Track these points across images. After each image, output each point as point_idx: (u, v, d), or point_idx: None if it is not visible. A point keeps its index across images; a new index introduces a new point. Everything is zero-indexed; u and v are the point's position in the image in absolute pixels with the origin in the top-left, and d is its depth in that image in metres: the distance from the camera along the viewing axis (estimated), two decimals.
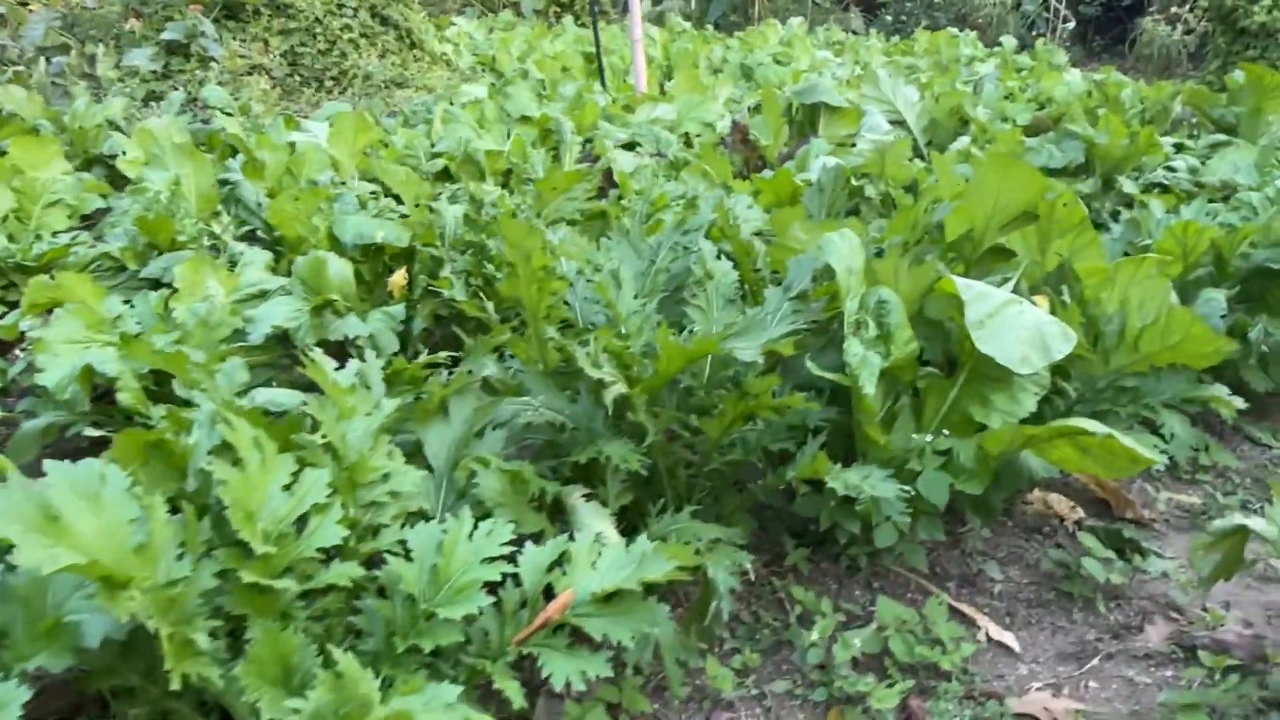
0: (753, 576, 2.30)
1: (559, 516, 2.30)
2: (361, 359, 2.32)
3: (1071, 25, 16.64)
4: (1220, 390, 2.86)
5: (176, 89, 9.05)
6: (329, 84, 9.80)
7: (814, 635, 2.27)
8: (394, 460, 2.01)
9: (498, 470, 2.06)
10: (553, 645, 1.76)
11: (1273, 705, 2.14)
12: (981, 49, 12.13)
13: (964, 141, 5.62)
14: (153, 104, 8.33)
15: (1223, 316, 3.28)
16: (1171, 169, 5.76)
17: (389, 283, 3.56)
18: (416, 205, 3.88)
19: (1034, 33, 16.49)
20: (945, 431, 2.48)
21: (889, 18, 17.37)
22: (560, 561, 1.85)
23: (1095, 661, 2.37)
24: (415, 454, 2.22)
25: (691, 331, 2.50)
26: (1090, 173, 5.84)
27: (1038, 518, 2.97)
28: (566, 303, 2.83)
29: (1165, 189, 5.75)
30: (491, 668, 1.74)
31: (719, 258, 2.62)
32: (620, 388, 2.10)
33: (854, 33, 16.85)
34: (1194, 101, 7.47)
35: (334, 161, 5.00)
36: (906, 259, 2.49)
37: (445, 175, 5.73)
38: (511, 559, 1.83)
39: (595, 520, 2.25)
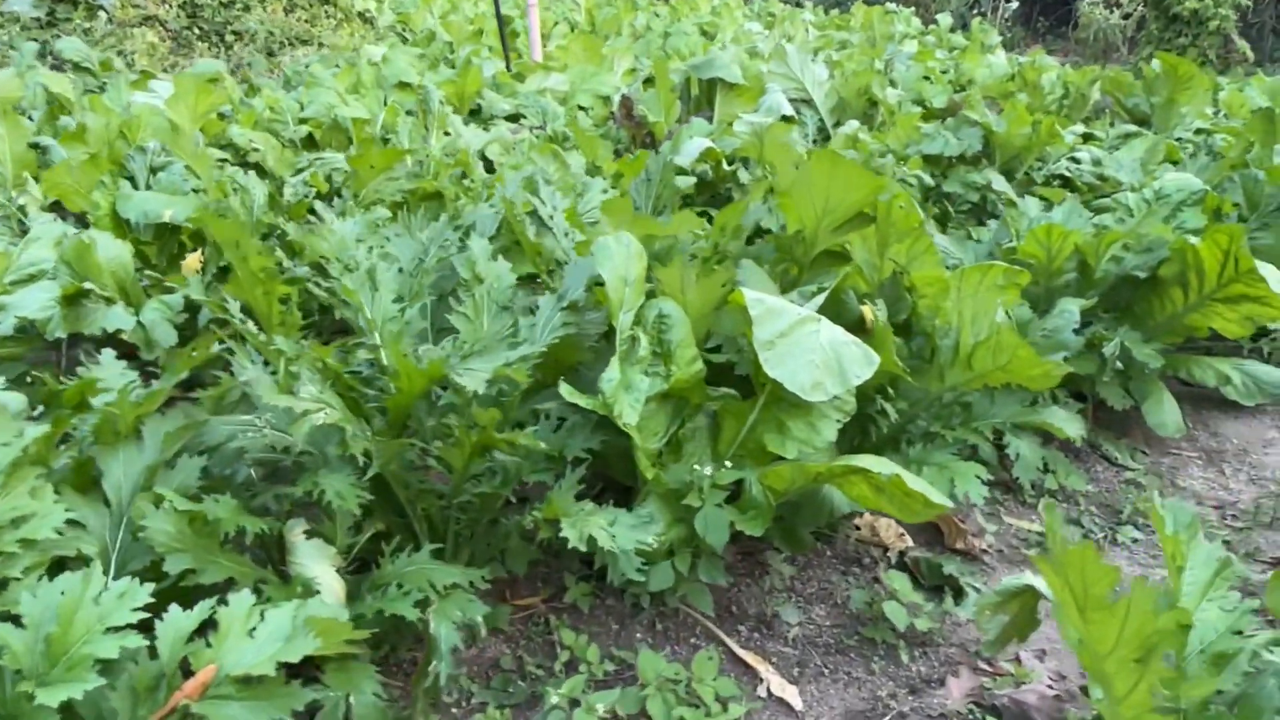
0: (482, 630, 2.01)
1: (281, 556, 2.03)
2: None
3: (1015, 6, 16.44)
4: (1055, 415, 2.63)
5: (59, 38, 8.55)
6: (229, 39, 9.31)
7: (556, 696, 2.01)
8: (39, 498, 1.70)
9: (173, 510, 1.76)
10: None
11: None
12: (916, 26, 11.87)
13: (853, 125, 5.35)
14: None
15: (1078, 330, 3.05)
16: (1076, 160, 5.55)
17: (183, 266, 3.23)
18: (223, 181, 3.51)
19: (976, 11, 16.28)
20: (728, 463, 2.21)
21: None
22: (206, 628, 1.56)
23: None
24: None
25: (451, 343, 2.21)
26: (991, 161, 5.61)
27: (861, 546, 2.73)
28: (346, 302, 2.53)
29: (1067, 181, 5.55)
30: None
31: (495, 257, 2.32)
32: (324, 415, 1.80)
33: (798, 4, 16.50)
34: (1112, 89, 7.28)
35: (174, 126, 4.61)
36: (694, 267, 2.21)
37: (312, 143, 5.37)
38: (150, 625, 1.55)
39: (314, 562, 1.97)
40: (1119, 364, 3.18)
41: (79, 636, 1.51)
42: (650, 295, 2.28)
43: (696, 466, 2.18)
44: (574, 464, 2.08)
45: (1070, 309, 3.06)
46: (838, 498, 2.37)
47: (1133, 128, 6.38)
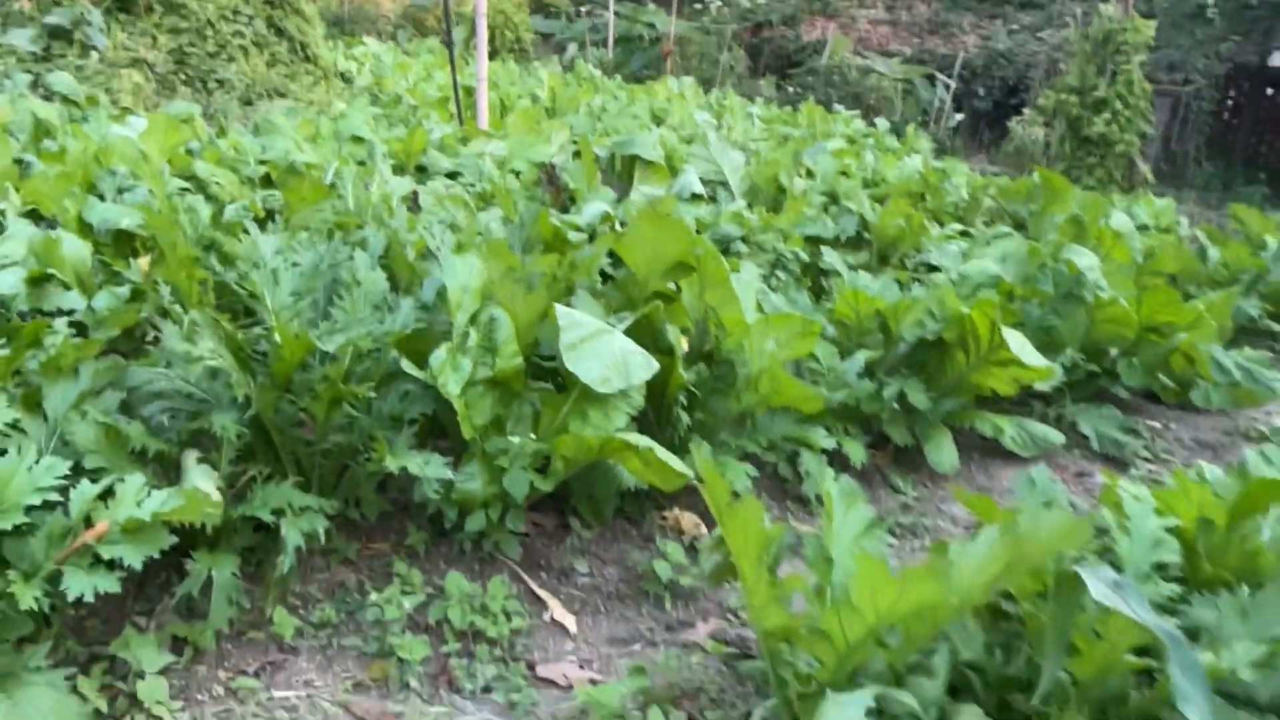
0: (320, 537, 2.58)
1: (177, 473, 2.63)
2: None
3: (960, 118, 17.58)
4: (815, 433, 3.30)
5: (52, 73, 9.24)
6: (212, 86, 10.04)
7: (374, 597, 2.62)
8: None
9: (94, 421, 2.37)
10: (78, 564, 2.08)
11: (748, 679, 2.54)
12: (856, 128, 12.81)
13: (740, 203, 6.10)
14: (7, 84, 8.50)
15: (860, 375, 3.74)
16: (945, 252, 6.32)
17: (136, 266, 3.85)
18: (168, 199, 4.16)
19: (924, 119, 17.38)
20: (532, 435, 2.85)
21: (790, 89, 18.17)
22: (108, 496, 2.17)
23: (638, 646, 2.75)
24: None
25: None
26: (869, 247, 6.37)
27: (663, 532, 3.35)
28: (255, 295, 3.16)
29: (934, 269, 6.32)
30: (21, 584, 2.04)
31: (373, 269, 2.98)
32: (216, 361, 2.44)
33: (766, 99, 17.56)
34: (999, 196, 8.12)
35: (144, 156, 5.27)
36: (521, 285, 2.88)
37: (268, 182, 6.04)
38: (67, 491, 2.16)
39: (201, 479, 2.56)
40: (902, 407, 3.87)
41: (15, 493, 2.11)
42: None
43: (512, 437, 2.82)
44: (410, 423, 2.72)
45: (858, 357, 3.76)
46: (624, 473, 3.01)
47: (1006, 229, 7.21)
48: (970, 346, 4.01)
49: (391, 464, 2.45)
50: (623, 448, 2.75)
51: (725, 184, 7.49)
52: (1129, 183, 11.72)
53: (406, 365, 2.64)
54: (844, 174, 8.90)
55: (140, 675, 2.25)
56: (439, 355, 2.63)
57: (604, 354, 2.80)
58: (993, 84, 19.20)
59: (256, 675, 2.42)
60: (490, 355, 2.82)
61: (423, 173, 6.98)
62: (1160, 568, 2.63)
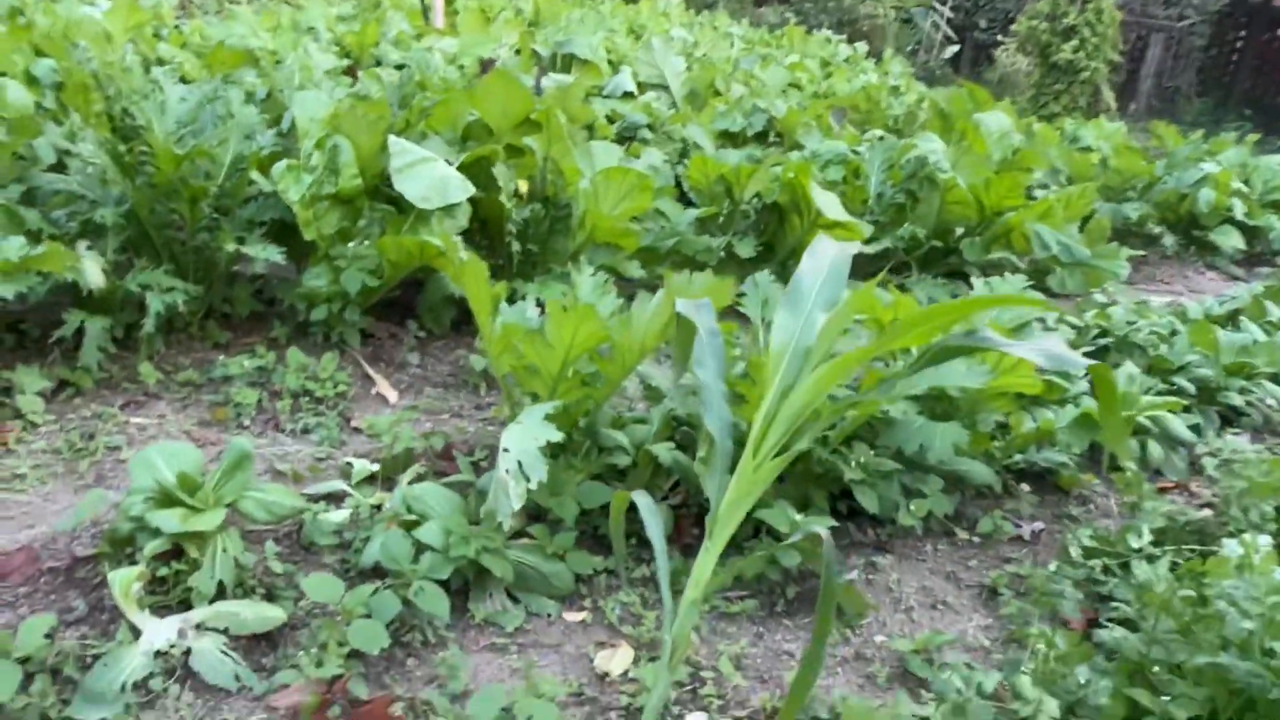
0: (180, 307, 3.21)
1: None
2: None
3: (957, 48, 17.77)
4: (629, 265, 3.88)
5: None
6: None
7: (222, 359, 3.25)
8: None
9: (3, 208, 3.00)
10: None
11: None
12: (835, 51, 13.14)
13: (650, 96, 6.61)
14: None
15: (693, 229, 4.30)
16: (856, 151, 6.80)
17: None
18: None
19: (918, 47, 17.60)
20: (366, 241, 3.45)
21: (789, 15, 18.40)
22: None
23: (446, 416, 3.37)
24: None
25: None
26: (781, 143, 6.87)
27: None
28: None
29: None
30: None
31: (247, 105, 3.56)
32: (97, 160, 3.04)
33: (769, 25, 17.81)
34: (932, 109, 8.55)
35: (107, 33, 5.86)
36: (364, 117, 3.46)
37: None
38: None
39: (89, 265, 3.19)
40: (730, 257, 4.43)
41: None
42: None
43: (352, 244, 3.43)
44: (260, 225, 3.33)
45: (690, 212, 4.32)
46: (450, 285, 3.61)
47: (925, 134, 7.64)
48: (803, 210, 4.56)
49: (232, 245, 3.07)
50: (438, 253, 3.34)
51: (667, 87, 7.97)
52: (1094, 110, 12.03)
53: (257, 176, 3.24)
54: (795, 86, 9.35)
55: (22, 391, 2.90)
56: (280, 166, 3.22)
57: (426, 177, 3.38)
58: (995, 16, 19.31)
59: (121, 409, 3.07)
60: (334, 176, 3.41)
61: (377, 65, 7.53)
62: None
